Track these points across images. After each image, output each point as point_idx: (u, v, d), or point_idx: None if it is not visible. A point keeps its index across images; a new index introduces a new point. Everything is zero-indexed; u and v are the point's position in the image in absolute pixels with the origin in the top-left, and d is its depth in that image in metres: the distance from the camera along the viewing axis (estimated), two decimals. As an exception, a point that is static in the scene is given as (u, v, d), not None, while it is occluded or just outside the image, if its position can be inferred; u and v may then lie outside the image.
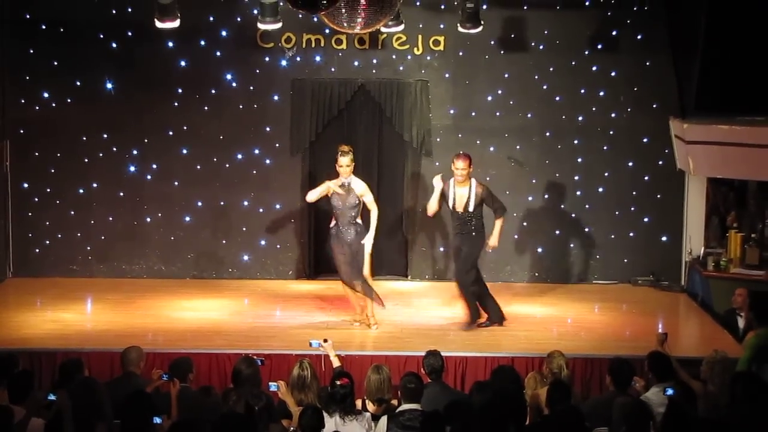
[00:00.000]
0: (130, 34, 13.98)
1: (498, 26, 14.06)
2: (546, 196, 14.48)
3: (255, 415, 7.79)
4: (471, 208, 11.81)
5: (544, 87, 14.30)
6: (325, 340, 9.86)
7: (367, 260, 11.93)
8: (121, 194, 14.33)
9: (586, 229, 14.54)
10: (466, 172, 11.77)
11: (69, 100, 14.17)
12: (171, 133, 14.24)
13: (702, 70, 13.00)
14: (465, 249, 11.99)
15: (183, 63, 14.17)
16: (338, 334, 11.45)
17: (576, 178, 14.47)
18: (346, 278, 12.05)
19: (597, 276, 14.54)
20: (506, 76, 14.30)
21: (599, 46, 14.18)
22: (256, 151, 14.29)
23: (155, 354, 10.71)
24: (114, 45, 14.06)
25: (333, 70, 14.22)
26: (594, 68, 14.27)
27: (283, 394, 8.68)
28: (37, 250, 14.34)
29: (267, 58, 14.20)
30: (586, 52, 14.22)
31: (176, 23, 11.68)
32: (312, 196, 11.97)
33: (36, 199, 14.29)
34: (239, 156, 14.31)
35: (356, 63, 14.23)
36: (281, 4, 11.77)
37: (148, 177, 14.34)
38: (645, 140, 14.35)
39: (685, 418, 7.41)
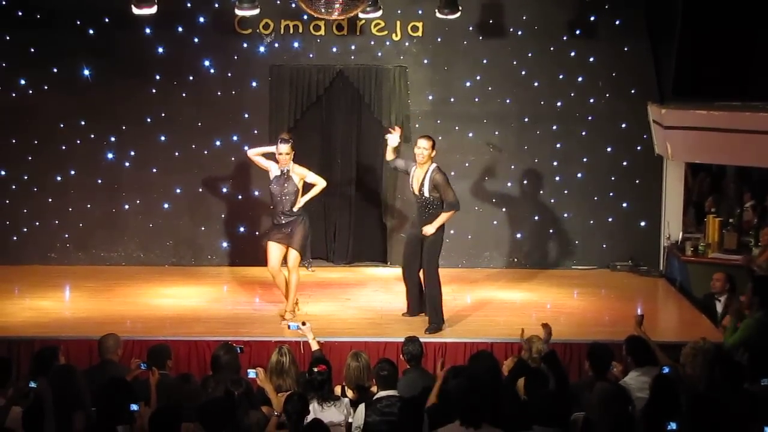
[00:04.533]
0: (107, 20, 13.90)
1: (476, 12, 14.06)
2: (525, 182, 14.50)
3: (234, 401, 7.79)
4: (426, 193, 11.33)
5: (523, 72, 14.31)
6: (303, 323, 9.87)
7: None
8: (99, 181, 14.28)
9: (565, 215, 14.57)
10: (427, 153, 11.33)
11: (46, 87, 14.09)
12: (149, 120, 14.19)
13: (679, 55, 13.04)
14: (427, 241, 11.49)
15: (160, 50, 14.10)
16: (317, 321, 11.46)
17: (554, 163, 14.50)
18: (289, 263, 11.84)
19: (576, 261, 14.58)
20: (484, 61, 14.30)
21: (577, 32, 14.20)
22: (235, 138, 14.24)
23: (134, 341, 10.68)
24: (91, 31, 13.98)
25: (311, 56, 14.19)
26: (572, 54, 14.28)
27: (261, 381, 8.67)
28: (15, 238, 14.28)
29: (245, 45, 14.16)
30: (564, 38, 14.23)
31: (153, 9, 11.60)
32: (254, 151, 11.86)
33: (13, 187, 14.22)
34: (218, 143, 14.27)
35: (335, 49, 14.20)
36: (259, -10, 11.73)
37: (126, 164, 14.29)
38: (623, 126, 14.37)
39: (673, 394, 7.53)
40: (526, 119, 14.41)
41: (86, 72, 14.06)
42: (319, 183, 11.75)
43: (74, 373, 7.87)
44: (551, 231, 14.59)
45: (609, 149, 14.45)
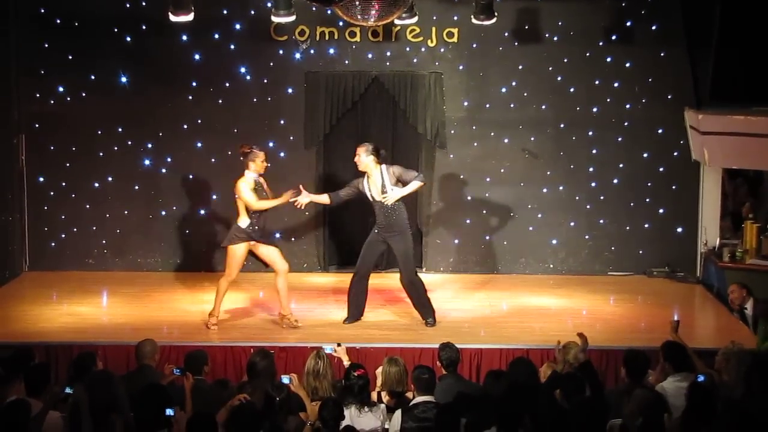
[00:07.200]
0: (144, 27, 14.00)
1: (512, 18, 14.03)
2: (561, 188, 14.45)
3: (275, 407, 7.80)
4: (389, 193, 11.66)
5: (559, 78, 14.27)
6: (339, 345, 9.86)
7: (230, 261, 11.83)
8: (136, 188, 14.36)
9: (601, 221, 14.51)
10: (361, 159, 11.68)
11: (84, 94, 14.20)
12: (185, 126, 14.26)
13: (717, 60, 12.96)
14: (401, 249, 11.85)
15: (197, 56, 14.18)
16: (351, 327, 11.52)
17: (591, 169, 14.44)
18: None
19: (612, 267, 14.51)
20: (520, 67, 14.28)
21: (614, 37, 14.15)
22: (271, 145, 14.27)
23: (171, 347, 10.74)
24: (128, 39, 14.07)
25: (347, 62, 14.22)
26: (608, 59, 14.23)
27: (295, 387, 8.69)
28: (53, 244, 14.38)
29: (281, 51, 14.21)
30: (601, 43, 14.19)
31: (190, 17, 11.68)
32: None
33: (51, 193, 14.33)
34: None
35: (370, 55, 14.23)
36: (295, -4, 11.76)
37: (163, 170, 14.37)
38: (660, 131, 14.31)
39: (710, 403, 7.47)
40: (562, 125, 14.37)
41: (123, 79, 14.16)
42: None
43: (112, 379, 7.91)
44: (587, 237, 14.53)
45: (645, 155, 14.39)
